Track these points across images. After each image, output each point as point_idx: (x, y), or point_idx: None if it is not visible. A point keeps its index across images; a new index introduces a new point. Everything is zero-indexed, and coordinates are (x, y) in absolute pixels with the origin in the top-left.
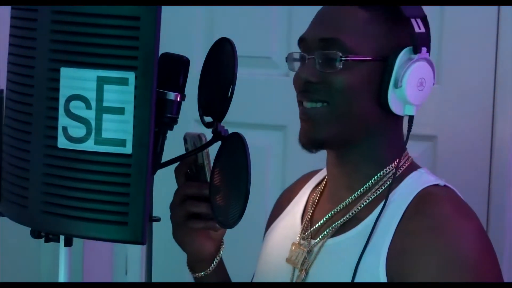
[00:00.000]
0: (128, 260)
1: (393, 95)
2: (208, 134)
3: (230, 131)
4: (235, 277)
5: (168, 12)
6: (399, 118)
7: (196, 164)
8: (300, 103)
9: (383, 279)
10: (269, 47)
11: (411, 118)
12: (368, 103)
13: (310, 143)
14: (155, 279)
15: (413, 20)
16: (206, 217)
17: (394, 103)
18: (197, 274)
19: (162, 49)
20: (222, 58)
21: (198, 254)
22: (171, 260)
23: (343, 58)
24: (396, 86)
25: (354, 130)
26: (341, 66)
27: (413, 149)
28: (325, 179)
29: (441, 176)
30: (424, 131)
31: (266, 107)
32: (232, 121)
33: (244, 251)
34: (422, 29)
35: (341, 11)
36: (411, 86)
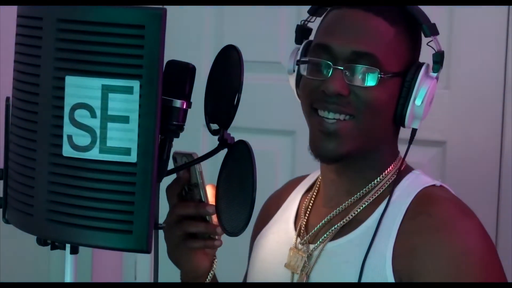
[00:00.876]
0: (137, 265)
1: (411, 111)
2: (212, 141)
3: (239, 137)
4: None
5: (177, 18)
6: (413, 139)
7: (189, 184)
8: (314, 111)
9: (390, 279)
10: (278, 52)
11: (414, 131)
12: (388, 118)
13: (330, 157)
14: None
15: (434, 38)
16: (203, 236)
17: (410, 118)
18: None
19: (171, 56)
20: (228, 65)
21: (195, 272)
22: None
23: (381, 75)
24: (415, 102)
25: (372, 143)
26: (376, 83)
27: (422, 154)
28: (317, 184)
29: (451, 181)
30: (433, 137)
31: (276, 112)
32: (241, 126)
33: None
34: (441, 48)
35: (371, 24)
36: (426, 103)
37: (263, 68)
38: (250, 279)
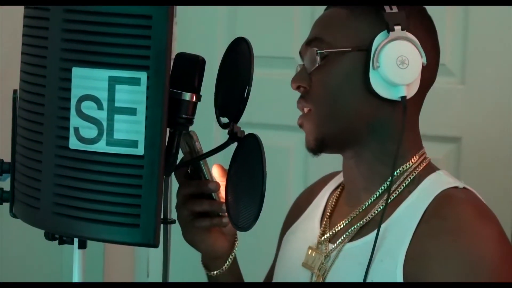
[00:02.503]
0: (150, 262)
1: (375, 78)
2: (224, 135)
3: (253, 132)
4: (251, 279)
5: (190, 12)
6: (407, 111)
7: (193, 163)
8: None
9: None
10: (292, 47)
11: (403, 99)
12: (357, 95)
13: (309, 148)
14: (177, 280)
15: (386, 6)
16: (211, 214)
17: (379, 86)
18: (212, 272)
19: (184, 49)
20: (238, 58)
21: (212, 252)
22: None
23: (318, 52)
24: (374, 68)
25: (352, 126)
26: (320, 62)
27: (437, 151)
28: (343, 182)
29: (466, 178)
30: (448, 133)
31: (289, 108)
32: (254, 122)
33: (265, 253)
34: (394, 9)
35: (326, 14)
36: (389, 65)
37: (276, 64)
38: (275, 276)
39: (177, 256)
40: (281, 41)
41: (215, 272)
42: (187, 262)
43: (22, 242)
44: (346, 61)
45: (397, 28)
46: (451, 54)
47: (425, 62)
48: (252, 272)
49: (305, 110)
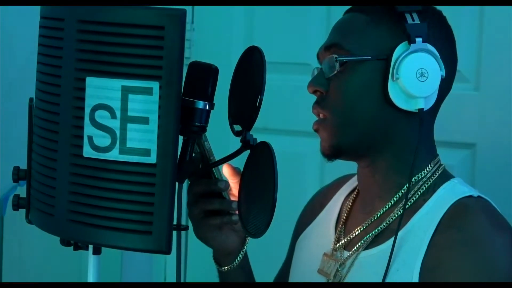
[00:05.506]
0: (167, 265)
1: (393, 89)
2: (237, 143)
3: (269, 138)
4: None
5: (207, 19)
6: (424, 121)
7: (203, 162)
8: None
9: None
10: (307, 53)
11: (420, 111)
12: (375, 104)
13: (324, 154)
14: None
15: (407, 14)
16: (222, 212)
17: (397, 97)
18: (223, 268)
19: (201, 55)
20: (251, 67)
21: (224, 249)
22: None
23: (338, 59)
24: (393, 79)
25: (368, 134)
26: (338, 68)
27: (452, 157)
28: (357, 188)
29: (480, 184)
30: (463, 139)
31: (305, 113)
32: (270, 127)
33: (281, 258)
34: (416, 21)
35: (345, 19)
36: (408, 77)
37: (292, 70)
38: (290, 281)
39: (194, 260)
40: (297, 47)
41: (226, 267)
42: (205, 266)
43: (41, 247)
44: (365, 70)
45: (418, 40)
46: (466, 60)
47: (443, 75)
48: (267, 274)
49: (321, 116)
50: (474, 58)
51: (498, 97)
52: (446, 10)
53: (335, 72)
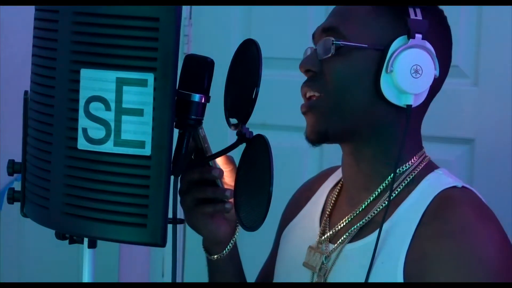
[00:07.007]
0: (165, 262)
1: (386, 81)
2: (233, 136)
3: (268, 134)
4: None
5: (205, 13)
6: (411, 117)
7: (197, 150)
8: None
9: None
10: (305, 48)
11: (408, 107)
12: (365, 93)
13: (309, 139)
14: (192, 280)
15: (410, 9)
16: (215, 200)
17: (388, 90)
18: (212, 256)
19: (199, 49)
20: (247, 60)
21: (214, 237)
22: None
23: (334, 42)
24: (387, 71)
25: (356, 123)
26: (333, 52)
27: (450, 152)
28: (342, 180)
29: (479, 180)
30: (461, 134)
31: None
32: (269, 123)
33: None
34: (419, 17)
35: (348, 5)
36: (403, 72)
37: (291, 65)
38: (275, 275)
39: (193, 256)
40: (295, 42)
41: (216, 256)
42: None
43: (39, 242)
44: (360, 57)
45: (418, 36)
46: (464, 55)
47: (437, 74)
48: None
49: (308, 95)
50: (473, 54)
51: (496, 92)
52: (445, 6)
53: (330, 55)
